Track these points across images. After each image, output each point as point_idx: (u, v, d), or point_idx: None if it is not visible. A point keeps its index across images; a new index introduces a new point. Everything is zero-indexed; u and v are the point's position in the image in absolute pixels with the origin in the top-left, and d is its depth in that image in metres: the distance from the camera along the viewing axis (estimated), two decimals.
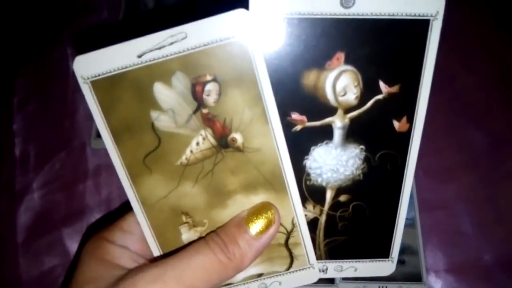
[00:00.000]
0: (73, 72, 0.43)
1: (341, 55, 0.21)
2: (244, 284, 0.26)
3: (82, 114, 0.42)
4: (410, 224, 0.36)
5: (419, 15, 0.21)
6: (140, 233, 0.25)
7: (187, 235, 0.25)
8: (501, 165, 0.39)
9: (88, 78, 0.22)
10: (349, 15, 0.20)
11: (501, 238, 0.37)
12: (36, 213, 0.39)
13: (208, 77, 0.22)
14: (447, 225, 0.37)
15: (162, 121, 0.22)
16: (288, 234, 0.25)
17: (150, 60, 0.21)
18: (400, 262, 0.35)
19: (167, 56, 0.21)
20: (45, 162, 0.41)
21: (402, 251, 0.35)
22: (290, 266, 0.26)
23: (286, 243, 0.25)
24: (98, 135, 0.40)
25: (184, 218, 0.25)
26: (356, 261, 0.26)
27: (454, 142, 0.40)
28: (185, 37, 0.21)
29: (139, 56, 0.21)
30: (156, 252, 0.25)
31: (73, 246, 0.38)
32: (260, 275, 0.26)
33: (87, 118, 0.42)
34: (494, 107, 0.41)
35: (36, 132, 0.42)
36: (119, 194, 0.40)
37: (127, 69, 0.21)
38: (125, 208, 0.25)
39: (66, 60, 0.44)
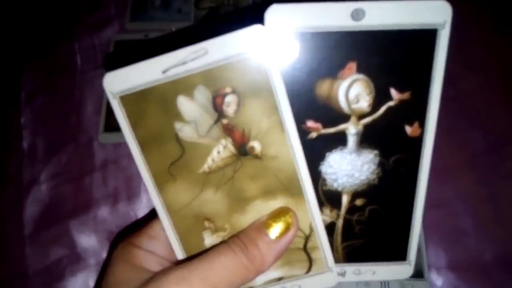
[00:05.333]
0: (81, 68, 0.45)
1: (353, 65, 0.23)
2: (265, 287, 0.27)
3: (89, 109, 0.43)
4: None
5: (427, 25, 0.22)
6: (166, 238, 0.26)
7: (210, 240, 0.26)
8: (501, 164, 0.39)
9: (117, 94, 0.23)
10: (359, 27, 0.22)
11: (501, 237, 0.37)
12: (43, 205, 0.40)
13: (228, 90, 0.23)
14: (448, 223, 0.38)
15: (186, 132, 0.24)
16: (307, 238, 0.26)
17: (174, 76, 0.23)
18: None
19: (189, 71, 0.23)
20: (53, 155, 0.41)
21: None
22: (309, 269, 0.27)
23: (305, 247, 0.26)
24: (106, 130, 0.41)
25: (206, 224, 0.26)
26: (374, 264, 0.27)
27: (455, 142, 0.40)
28: (206, 53, 0.22)
29: (164, 72, 0.23)
30: (180, 256, 0.26)
31: (79, 237, 0.39)
32: (280, 278, 0.27)
33: (95, 113, 0.43)
34: (495, 107, 0.41)
35: (44, 125, 0.43)
36: (126, 188, 0.40)
37: (153, 84, 0.23)
38: (151, 214, 0.26)
39: (74, 55, 0.45)
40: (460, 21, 0.44)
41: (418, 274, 0.35)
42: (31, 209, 0.40)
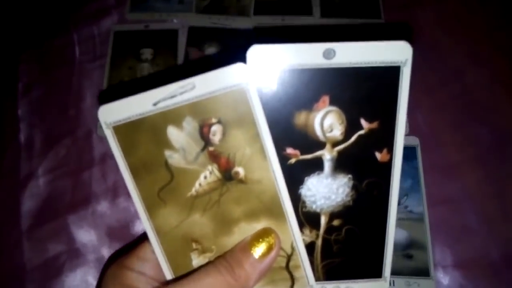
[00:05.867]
0: (79, 59, 0.44)
1: (326, 98, 0.25)
2: None
3: (88, 101, 0.42)
4: (418, 218, 0.36)
5: (391, 63, 0.24)
6: (156, 260, 0.27)
7: (197, 260, 0.27)
8: (508, 161, 0.39)
9: (111, 124, 0.25)
10: (331, 65, 0.24)
11: (507, 235, 0.37)
12: (41, 200, 0.39)
13: (214, 120, 0.25)
14: (454, 221, 0.37)
15: (174, 159, 0.26)
16: (289, 258, 0.28)
17: (164, 107, 0.25)
18: (408, 256, 0.35)
19: (178, 103, 0.25)
20: (51, 148, 0.40)
21: (410, 245, 0.35)
22: None
23: (287, 266, 0.28)
24: None
25: (194, 245, 0.27)
26: (352, 282, 0.29)
27: (461, 138, 0.39)
28: (194, 88, 0.25)
29: (155, 104, 0.25)
30: (169, 276, 0.27)
31: (78, 233, 0.38)
32: None
33: (93, 105, 0.42)
34: (501, 102, 0.40)
35: (42, 118, 0.41)
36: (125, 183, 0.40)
37: (144, 116, 0.25)
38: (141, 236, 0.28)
39: (72, 46, 0.44)
40: (468, 16, 0.43)
41: (424, 272, 0.35)
42: (28, 204, 0.39)
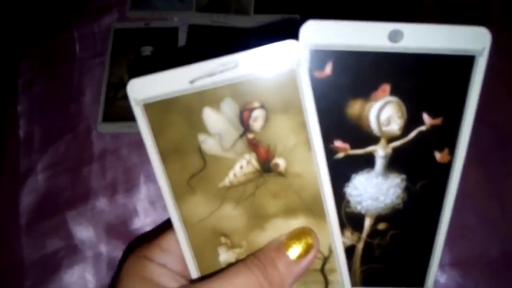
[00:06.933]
0: (80, 56, 0.44)
1: (386, 87, 0.22)
2: None
3: (88, 98, 0.42)
4: None
5: (465, 51, 0.21)
6: (179, 252, 0.25)
7: (225, 256, 0.25)
8: (508, 160, 0.39)
9: (141, 101, 0.23)
10: (396, 49, 0.21)
11: (506, 234, 0.37)
12: (40, 196, 0.39)
13: (256, 104, 0.22)
14: (452, 219, 0.36)
15: (209, 145, 0.23)
16: (325, 260, 0.25)
17: (201, 86, 0.22)
18: None
19: (218, 83, 0.22)
20: (50, 144, 0.41)
21: None
22: None
23: (322, 269, 0.25)
24: (105, 119, 0.41)
25: (222, 239, 0.25)
26: None
27: None
28: (236, 66, 0.22)
29: (191, 82, 0.22)
30: (194, 271, 0.25)
31: (77, 229, 0.38)
32: None
33: (93, 102, 0.42)
34: (502, 102, 0.40)
35: (41, 114, 0.42)
36: (125, 179, 0.39)
37: (178, 94, 0.22)
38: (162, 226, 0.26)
39: (73, 43, 0.44)
40: (469, 14, 0.43)
41: None
42: (27, 199, 0.39)
